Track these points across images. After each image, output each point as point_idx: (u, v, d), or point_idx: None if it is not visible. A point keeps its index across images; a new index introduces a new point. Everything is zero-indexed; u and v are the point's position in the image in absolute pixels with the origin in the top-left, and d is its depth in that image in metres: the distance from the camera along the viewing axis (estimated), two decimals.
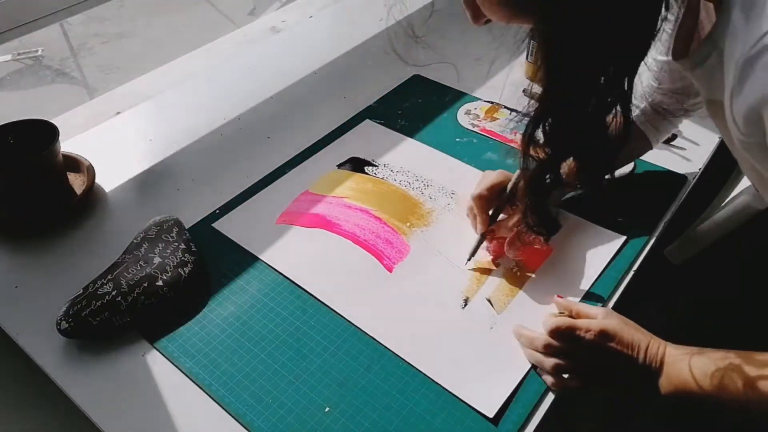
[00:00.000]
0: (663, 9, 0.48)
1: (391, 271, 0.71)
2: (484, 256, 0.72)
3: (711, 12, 0.53)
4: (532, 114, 0.55)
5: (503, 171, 0.73)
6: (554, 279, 0.70)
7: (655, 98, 0.76)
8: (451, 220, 0.77)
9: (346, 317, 0.66)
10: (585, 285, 0.69)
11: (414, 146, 0.89)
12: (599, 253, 0.72)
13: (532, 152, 0.58)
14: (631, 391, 0.61)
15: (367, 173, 0.85)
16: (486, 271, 0.71)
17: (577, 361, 0.59)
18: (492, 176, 0.72)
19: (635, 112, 0.74)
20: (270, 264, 0.72)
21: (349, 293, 0.69)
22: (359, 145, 0.90)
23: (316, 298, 0.68)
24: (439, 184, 0.83)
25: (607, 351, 0.58)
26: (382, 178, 0.84)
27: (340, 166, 0.86)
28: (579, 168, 0.62)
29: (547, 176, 0.59)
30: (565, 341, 0.59)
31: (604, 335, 0.58)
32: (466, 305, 0.67)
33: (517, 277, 0.70)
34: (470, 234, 0.73)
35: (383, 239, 0.75)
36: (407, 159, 0.87)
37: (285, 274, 0.71)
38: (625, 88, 0.52)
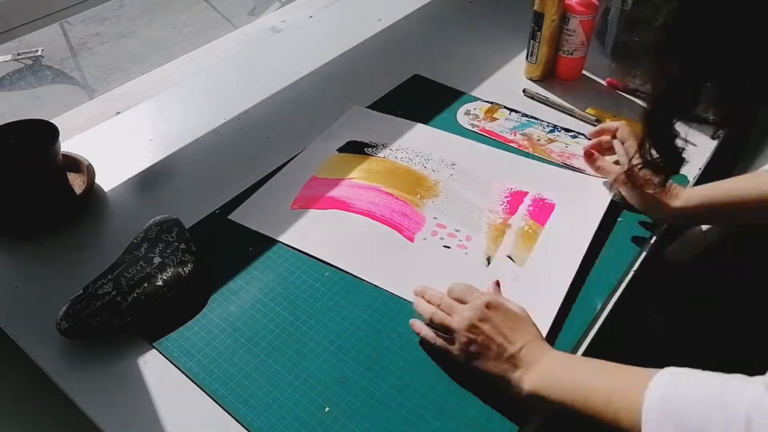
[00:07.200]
0: None
1: (412, 241, 0.74)
2: (495, 219, 0.76)
3: None
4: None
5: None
6: (563, 232, 0.74)
7: None
8: (458, 188, 0.81)
9: (379, 285, 0.69)
10: (590, 229, 0.74)
11: (405, 125, 0.92)
12: (600, 205, 0.77)
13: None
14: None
15: (368, 154, 0.87)
16: (500, 232, 0.74)
17: (456, 324, 0.59)
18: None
19: None
20: (295, 247, 0.74)
21: (377, 263, 0.71)
22: (352, 129, 0.92)
23: (347, 272, 0.70)
24: (438, 157, 0.86)
25: (480, 326, 0.57)
26: (384, 157, 0.86)
27: (340, 150, 0.88)
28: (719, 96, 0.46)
29: (681, 95, 0.47)
30: (456, 299, 0.61)
31: (486, 309, 0.58)
32: (489, 263, 0.71)
33: (529, 234, 0.74)
34: (478, 199, 0.79)
35: (399, 212, 0.77)
36: (402, 137, 0.90)
37: (312, 254, 0.73)
38: None
